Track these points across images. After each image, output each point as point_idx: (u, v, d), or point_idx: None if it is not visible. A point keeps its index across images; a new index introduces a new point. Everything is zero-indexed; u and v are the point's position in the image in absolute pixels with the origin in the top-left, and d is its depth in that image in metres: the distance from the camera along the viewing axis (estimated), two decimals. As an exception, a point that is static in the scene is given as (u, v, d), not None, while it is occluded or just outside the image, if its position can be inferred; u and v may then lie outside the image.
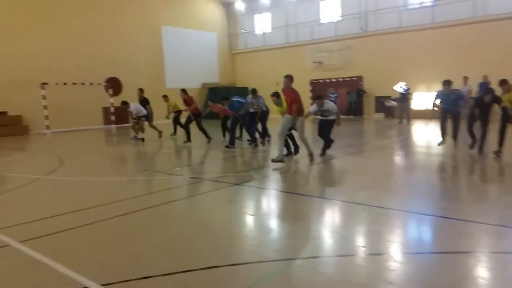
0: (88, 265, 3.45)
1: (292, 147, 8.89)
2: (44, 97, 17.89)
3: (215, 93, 22.85)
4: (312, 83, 23.83)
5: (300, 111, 7.74)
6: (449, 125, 9.45)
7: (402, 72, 19.42)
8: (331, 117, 8.83)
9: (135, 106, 12.99)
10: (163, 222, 4.76)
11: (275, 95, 8.69)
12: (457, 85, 14.52)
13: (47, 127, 17.99)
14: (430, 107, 9.79)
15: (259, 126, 11.14)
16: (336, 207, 5.12)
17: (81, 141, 15.04)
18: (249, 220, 4.84)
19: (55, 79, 18.45)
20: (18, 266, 3.53)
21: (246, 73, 27.19)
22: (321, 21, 23.73)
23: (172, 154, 10.85)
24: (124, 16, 22.20)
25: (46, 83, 17.94)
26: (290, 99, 7.74)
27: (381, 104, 21.16)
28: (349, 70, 22.44)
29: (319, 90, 23.23)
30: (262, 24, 26.75)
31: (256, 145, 10.64)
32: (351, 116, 22.07)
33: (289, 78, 7.76)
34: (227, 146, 10.38)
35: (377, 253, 3.56)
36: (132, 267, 3.39)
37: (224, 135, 12.36)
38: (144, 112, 13.12)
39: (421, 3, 20.28)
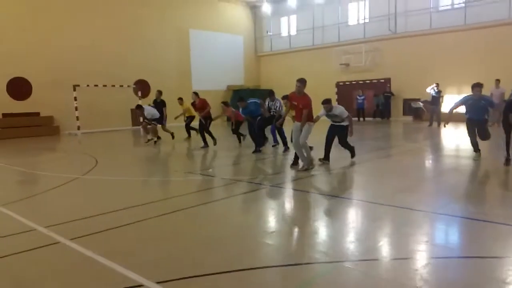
0: (139, 263, 3.51)
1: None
2: (75, 99, 18.35)
3: (240, 95, 22.86)
4: (338, 85, 23.67)
5: (310, 117, 7.35)
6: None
7: (432, 75, 19.08)
8: (343, 123, 8.31)
9: (149, 110, 13.16)
10: (205, 222, 4.82)
11: (287, 97, 8.19)
12: (489, 88, 14.18)
13: (78, 127, 18.44)
14: (457, 110, 8.48)
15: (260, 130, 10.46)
16: (377, 211, 5.05)
17: (112, 142, 15.35)
18: (291, 221, 4.85)
19: (86, 81, 18.93)
20: (71, 263, 3.64)
21: (271, 76, 27.21)
22: (349, 23, 23.55)
23: (196, 156, 10.78)
24: (153, 20, 22.58)
25: (77, 85, 18.41)
26: (302, 105, 7.26)
27: (409, 107, 20.84)
28: (377, 72, 22.18)
29: (346, 92, 23.18)
30: (289, 26, 26.75)
31: (259, 151, 10.06)
32: (378, 119, 21.80)
33: (302, 82, 7.25)
34: (255, 152, 10.03)
35: (423, 256, 3.52)
36: (182, 265, 3.45)
37: (240, 141, 11.93)
38: (157, 115, 13.21)
39: (453, 4, 19.89)
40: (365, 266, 3.36)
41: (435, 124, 16.79)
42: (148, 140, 13.44)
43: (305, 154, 7.58)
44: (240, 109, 10.71)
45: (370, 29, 22.38)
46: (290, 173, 7.59)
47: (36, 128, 18.41)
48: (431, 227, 4.42)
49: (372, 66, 22.18)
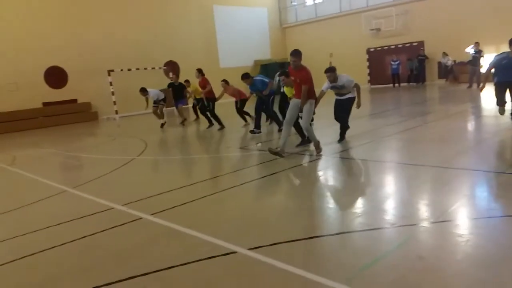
0: (224, 232, 3.67)
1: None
2: (111, 84, 18.74)
3: (268, 69, 22.77)
4: (369, 51, 23.15)
5: (310, 94, 6.45)
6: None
7: (467, 34, 18.39)
8: (349, 95, 7.44)
9: (154, 92, 13.09)
10: (278, 192, 4.98)
11: (284, 74, 7.41)
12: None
13: (116, 112, 18.88)
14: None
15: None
16: (444, 174, 5.01)
17: (151, 124, 15.61)
18: (359, 188, 4.92)
19: (119, 66, 19.25)
20: (160, 235, 3.84)
21: (298, 47, 25.82)
22: (377, -14, 22.82)
23: (238, 133, 10.48)
24: (178, -2, 22.56)
25: (112, 70, 18.76)
26: (299, 79, 6.43)
27: (444, 69, 20.22)
28: (409, 36, 21.54)
29: (377, 58, 22.67)
30: (313, -6, 26.13)
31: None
32: (413, 84, 21.29)
33: (295, 55, 6.34)
34: (252, 131, 9.49)
35: (502, 214, 3.55)
36: (267, 233, 3.58)
37: (245, 120, 11.30)
38: (162, 96, 13.12)
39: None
40: (446, 227, 3.42)
41: (474, 85, 16.29)
42: (183, 121, 13.43)
43: (306, 135, 6.90)
44: (249, 86, 9.96)
45: (399, -9, 21.62)
46: (338, 144, 7.49)
47: (75, 115, 19.06)
48: (505, 187, 4.40)
49: (404, 29, 21.53)
